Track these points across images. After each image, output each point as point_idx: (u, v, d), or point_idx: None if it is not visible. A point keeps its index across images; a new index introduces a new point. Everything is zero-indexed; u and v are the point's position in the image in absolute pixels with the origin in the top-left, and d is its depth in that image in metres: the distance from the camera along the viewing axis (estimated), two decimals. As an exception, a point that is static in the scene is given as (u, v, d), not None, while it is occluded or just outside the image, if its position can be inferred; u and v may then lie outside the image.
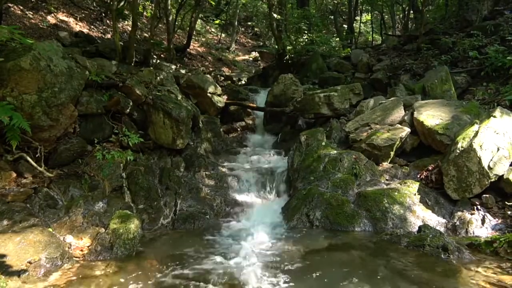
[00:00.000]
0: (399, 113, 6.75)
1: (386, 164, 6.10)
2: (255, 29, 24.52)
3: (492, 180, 4.87)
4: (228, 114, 9.14)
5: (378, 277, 3.53)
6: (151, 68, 8.56)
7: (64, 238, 4.27)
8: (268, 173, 6.59)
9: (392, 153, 6.12)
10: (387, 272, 3.60)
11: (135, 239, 4.22)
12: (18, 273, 3.45)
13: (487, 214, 4.78)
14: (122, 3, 10.88)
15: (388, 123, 6.64)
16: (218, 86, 9.06)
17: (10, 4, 9.62)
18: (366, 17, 21.42)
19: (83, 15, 12.12)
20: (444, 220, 4.92)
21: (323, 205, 5.14)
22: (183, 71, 9.79)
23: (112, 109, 6.29)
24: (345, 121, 7.53)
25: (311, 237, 4.69)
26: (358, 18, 19.72)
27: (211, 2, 18.66)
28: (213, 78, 9.59)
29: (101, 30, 12.05)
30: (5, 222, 4.11)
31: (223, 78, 12.82)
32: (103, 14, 12.65)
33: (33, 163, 4.86)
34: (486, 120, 5.18)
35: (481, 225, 4.70)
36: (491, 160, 4.85)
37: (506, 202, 4.86)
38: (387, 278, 3.49)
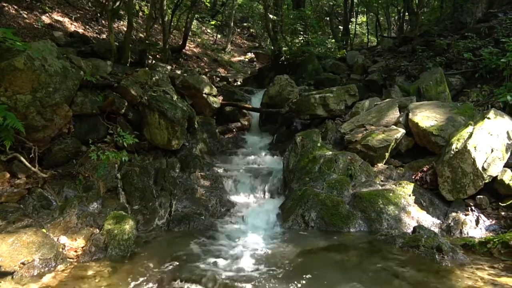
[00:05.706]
0: (394, 114, 6.78)
1: (381, 165, 6.12)
2: (251, 30, 24.58)
3: (486, 181, 4.90)
4: (223, 115, 9.12)
5: (373, 277, 3.54)
6: (147, 68, 8.55)
7: (58, 239, 4.23)
8: (263, 174, 6.58)
9: (387, 154, 6.14)
10: (382, 273, 3.62)
11: (130, 240, 4.20)
12: (11, 274, 3.42)
13: (481, 215, 4.81)
14: (117, 3, 10.84)
15: (383, 124, 6.66)
16: (213, 87, 9.05)
17: (4, 4, 9.57)
18: (361, 18, 21.51)
19: (78, 15, 12.08)
20: (438, 221, 4.94)
21: (318, 206, 5.15)
22: (178, 72, 9.81)
23: (107, 109, 6.26)
24: (340, 122, 7.53)
25: (306, 238, 4.69)
26: (353, 19, 19.80)
27: (207, 3, 18.66)
28: (208, 79, 9.57)
29: (96, 30, 12.00)
30: (-2, 223, 4.08)
31: (218, 79, 12.84)
32: (98, 14, 12.61)
33: (27, 163, 4.82)
34: (480, 121, 5.21)
35: (475, 226, 4.72)
36: (485, 161, 4.88)
37: (500, 203, 4.88)
38: (382, 279, 3.51)
